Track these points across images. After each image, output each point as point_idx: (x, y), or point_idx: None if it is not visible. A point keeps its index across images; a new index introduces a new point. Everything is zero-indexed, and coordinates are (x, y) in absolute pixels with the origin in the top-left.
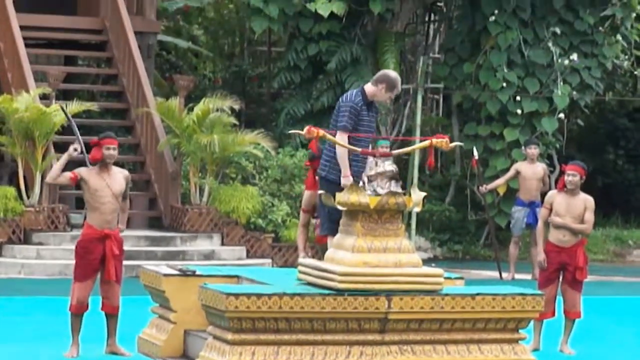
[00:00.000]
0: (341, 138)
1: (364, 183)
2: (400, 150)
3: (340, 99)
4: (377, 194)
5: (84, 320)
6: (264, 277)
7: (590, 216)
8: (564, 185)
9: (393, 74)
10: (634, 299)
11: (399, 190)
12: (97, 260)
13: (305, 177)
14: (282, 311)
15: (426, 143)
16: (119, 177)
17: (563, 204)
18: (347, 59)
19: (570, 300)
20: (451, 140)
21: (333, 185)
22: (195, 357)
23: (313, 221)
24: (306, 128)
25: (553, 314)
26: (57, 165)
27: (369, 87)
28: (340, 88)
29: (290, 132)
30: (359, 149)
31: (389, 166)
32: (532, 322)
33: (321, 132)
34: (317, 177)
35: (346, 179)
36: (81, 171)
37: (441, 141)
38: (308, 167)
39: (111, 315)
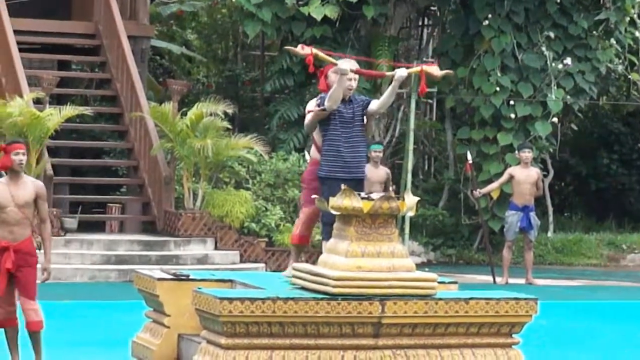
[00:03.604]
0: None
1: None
2: (390, 74)
3: None
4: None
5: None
6: (257, 281)
7: None
8: None
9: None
10: (628, 303)
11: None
12: None
13: (299, 181)
14: (276, 315)
15: (417, 69)
16: (28, 187)
17: None
18: None
19: None
20: (445, 146)
21: (331, 182)
22: None
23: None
24: (300, 45)
25: None
26: None
27: None
28: None
29: (285, 47)
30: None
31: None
32: None
33: (314, 50)
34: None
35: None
36: None
37: (431, 68)
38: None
39: (32, 333)
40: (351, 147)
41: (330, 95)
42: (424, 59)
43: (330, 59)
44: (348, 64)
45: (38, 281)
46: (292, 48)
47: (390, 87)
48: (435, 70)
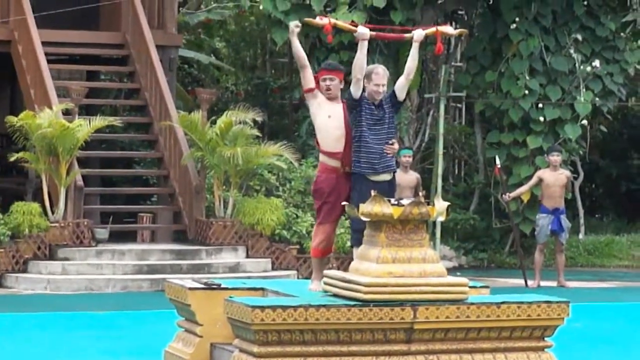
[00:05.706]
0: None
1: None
2: (408, 36)
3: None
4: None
5: None
6: (289, 289)
7: None
8: None
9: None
10: None
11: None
12: None
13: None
14: (308, 323)
15: (433, 29)
16: None
17: None
18: None
19: None
20: (475, 150)
21: (362, 180)
22: None
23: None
24: (318, 16)
25: None
26: None
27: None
28: None
29: (304, 20)
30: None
31: None
32: None
33: (332, 20)
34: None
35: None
36: None
37: (446, 27)
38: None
39: None
40: (384, 144)
41: (354, 65)
42: (452, 63)
43: (349, 26)
44: (367, 30)
45: None
46: (310, 19)
47: (412, 50)
48: (449, 29)
